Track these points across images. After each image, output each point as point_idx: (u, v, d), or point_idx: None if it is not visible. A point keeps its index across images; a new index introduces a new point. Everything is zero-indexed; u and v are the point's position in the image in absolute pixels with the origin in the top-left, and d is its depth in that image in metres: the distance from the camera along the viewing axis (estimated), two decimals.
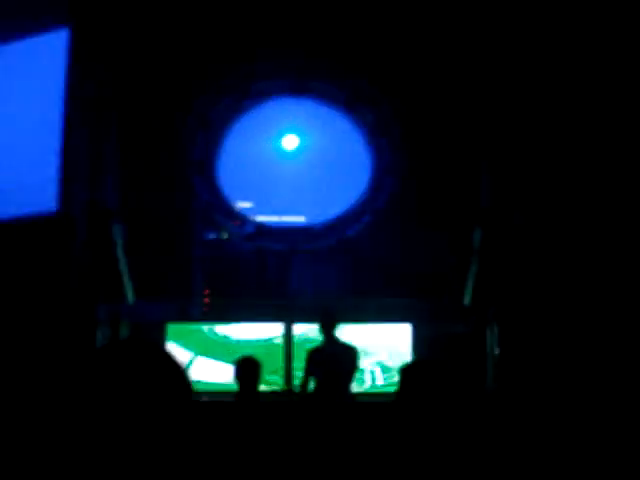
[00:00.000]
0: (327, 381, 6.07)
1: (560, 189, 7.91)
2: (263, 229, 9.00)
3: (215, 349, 7.77)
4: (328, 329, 6.24)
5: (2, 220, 7.88)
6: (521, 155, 8.17)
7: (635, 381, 6.44)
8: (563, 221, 7.84)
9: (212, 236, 8.96)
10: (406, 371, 4.02)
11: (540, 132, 7.99)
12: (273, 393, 7.18)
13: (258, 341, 7.82)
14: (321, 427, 5.33)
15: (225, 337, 7.87)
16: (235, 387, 4.88)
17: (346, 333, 6.73)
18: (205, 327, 7.90)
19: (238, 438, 4.46)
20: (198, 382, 7.37)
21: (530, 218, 8.04)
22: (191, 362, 7.63)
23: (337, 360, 6.15)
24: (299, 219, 9.10)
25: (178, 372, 1.28)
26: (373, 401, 7.09)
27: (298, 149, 9.23)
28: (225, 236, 8.92)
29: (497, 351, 7.80)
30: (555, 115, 7.96)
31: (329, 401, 5.91)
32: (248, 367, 4.91)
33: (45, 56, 8.25)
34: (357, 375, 6.48)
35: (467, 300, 8.10)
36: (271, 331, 7.92)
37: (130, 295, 7.85)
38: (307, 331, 7.71)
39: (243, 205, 9.05)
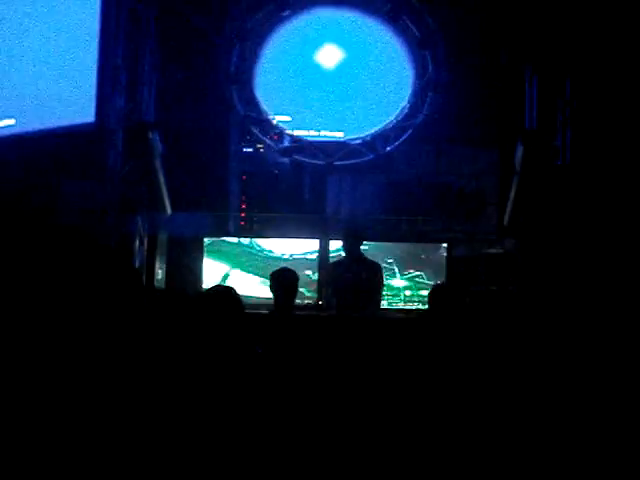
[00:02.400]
0: (347, 295, 6.10)
1: (610, 111, 7.61)
2: (300, 144, 8.91)
3: (251, 263, 7.83)
4: (351, 246, 6.21)
5: (41, 132, 7.91)
6: (569, 73, 7.85)
7: None
8: (611, 146, 7.56)
9: (249, 149, 8.92)
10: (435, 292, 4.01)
11: (589, 48, 7.64)
12: (306, 306, 7.24)
13: (293, 256, 7.86)
14: (344, 341, 5.37)
15: (261, 251, 7.92)
16: (271, 298, 4.91)
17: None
18: (241, 241, 7.96)
19: (274, 349, 4.52)
20: None
21: (575, 141, 7.79)
22: (227, 275, 7.73)
23: (358, 275, 6.15)
24: (337, 134, 8.98)
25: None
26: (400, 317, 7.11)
27: (338, 62, 9.01)
28: (262, 150, 8.87)
29: (531, 274, 7.73)
30: (610, 28, 7.57)
31: (351, 315, 5.94)
32: (285, 278, 4.92)
33: None
34: (386, 291, 6.51)
35: (505, 221, 7.98)
36: (306, 247, 7.94)
37: (167, 208, 7.90)
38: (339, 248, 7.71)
39: (280, 119, 8.94)
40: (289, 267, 5.09)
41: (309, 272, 7.54)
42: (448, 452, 2.96)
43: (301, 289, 7.43)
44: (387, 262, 7.62)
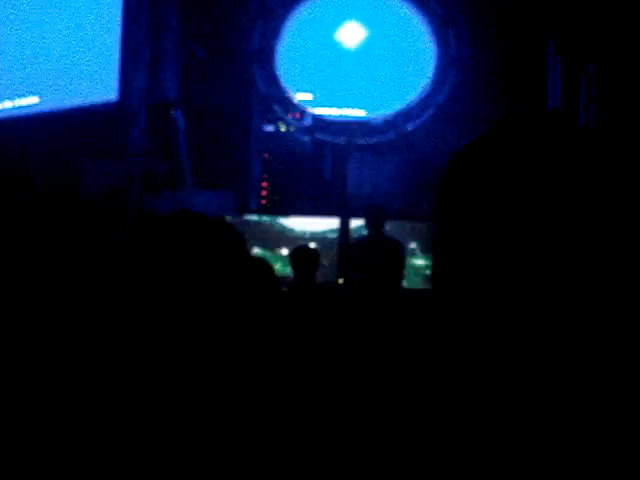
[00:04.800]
0: (368, 274, 6.10)
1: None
2: (322, 122, 8.88)
3: (272, 241, 7.87)
4: (374, 224, 6.21)
5: (64, 110, 7.96)
6: (594, 51, 7.74)
7: None
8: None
9: (270, 128, 8.92)
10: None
11: (614, 24, 7.51)
12: (327, 284, 7.27)
13: (314, 234, 7.88)
14: (364, 318, 5.38)
15: (282, 230, 7.96)
16: (291, 276, 4.95)
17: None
18: (263, 219, 8.00)
19: (293, 326, 4.55)
20: None
21: (599, 122, 7.67)
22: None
23: (380, 253, 6.14)
24: (359, 112, 8.94)
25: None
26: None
27: (360, 40, 8.95)
28: (283, 128, 8.86)
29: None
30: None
31: (371, 293, 5.94)
32: (306, 256, 4.94)
33: None
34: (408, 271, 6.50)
35: None
36: (327, 225, 7.96)
37: (189, 185, 7.93)
38: (362, 226, 7.72)
39: (302, 97, 8.91)
40: (308, 245, 5.13)
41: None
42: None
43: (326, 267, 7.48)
44: (408, 241, 7.62)
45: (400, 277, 6.35)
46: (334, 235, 7.88)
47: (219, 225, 1.33)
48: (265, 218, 8.04)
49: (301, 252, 4.98)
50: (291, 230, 7.98)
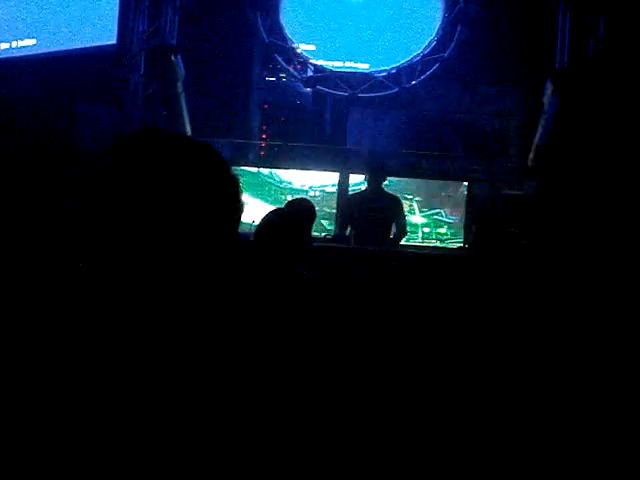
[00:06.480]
0: (366, 228, 6.04)
1: None
2: (324, 74, 8.74)
3: (270, 194, 7.81)
4: (375, 178, 6.13)
5: (62, 53, 7.83)
6: (604, 9, 7.58)
7: None
8: None
9: (271, 78, 8.78)
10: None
11: None
12: (324, 238, 7.24)
13: (312, 188, 7.82)
14: (361, 273, 5.34)
15: (280, 182, 7.89)
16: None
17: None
18: (261, 171, 7.92)
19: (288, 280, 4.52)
20: (252, 224, 7.46)
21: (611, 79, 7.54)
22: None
23: (377, 207, 6.07)
24: (362, 66, 8.79)
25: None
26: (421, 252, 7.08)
27: None
28: (284, 79, 8.72)
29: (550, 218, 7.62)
30: None
31: (365, 248, 5.89)
32: (301, 208, 4.85)
33: None
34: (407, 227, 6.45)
35: (530, 161, 7.84)
36: (326, 179, 7.89)
37: (188, 133, 7.84)
38: (362, 181, 7.66)
39: (305, 48, 8.75)
40: (305, 197, 5.04)
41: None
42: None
43: (323, 221, 7.45)
44: (407, 198, 7.57)
45: (404, 223, 6.29)
46: (334, 189, 7.82)
47: (195, 145, 1.16)
48: (263, 170, 7.96)
49: (296, 204, 4.88)
50: (289, 182, 7.91)
